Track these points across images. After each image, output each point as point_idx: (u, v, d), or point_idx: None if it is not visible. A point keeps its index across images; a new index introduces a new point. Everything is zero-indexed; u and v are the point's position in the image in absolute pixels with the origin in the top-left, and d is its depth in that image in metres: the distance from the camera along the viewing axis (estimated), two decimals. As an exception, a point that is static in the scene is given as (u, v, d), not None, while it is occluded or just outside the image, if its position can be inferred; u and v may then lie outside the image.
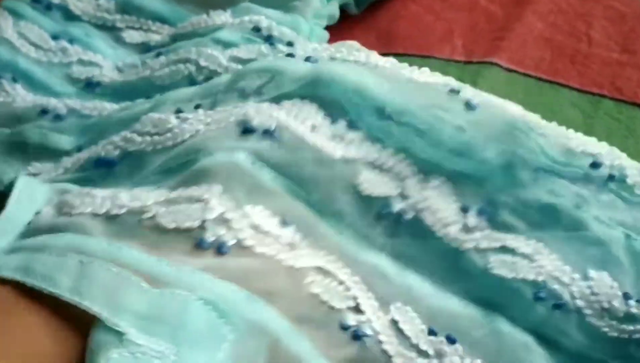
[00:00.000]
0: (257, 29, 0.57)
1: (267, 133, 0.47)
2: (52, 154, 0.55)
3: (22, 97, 0.58)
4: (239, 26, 0.58)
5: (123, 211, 0.43)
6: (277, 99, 0.49)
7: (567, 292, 0.44)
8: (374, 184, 0.46)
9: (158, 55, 0.59)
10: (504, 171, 0.46)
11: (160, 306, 0.37)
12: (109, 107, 0.56)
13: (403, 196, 0.46)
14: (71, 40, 0.61)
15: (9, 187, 0.47)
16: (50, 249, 0.39)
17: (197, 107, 0.51)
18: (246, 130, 0.47)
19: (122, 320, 0.36)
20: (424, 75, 0.51)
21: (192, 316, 0.37)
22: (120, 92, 0.58)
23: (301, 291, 0.42)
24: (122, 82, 0.58)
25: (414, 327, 0.44)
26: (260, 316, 0.40)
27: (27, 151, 0.55)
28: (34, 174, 0.54)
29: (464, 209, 0.46)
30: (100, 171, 0.51)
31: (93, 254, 0.39)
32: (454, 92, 0.49)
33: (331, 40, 0.61)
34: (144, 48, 0.62)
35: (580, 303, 0.43)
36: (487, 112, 0.48)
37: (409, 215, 0.46)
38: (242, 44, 0.56)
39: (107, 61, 0.60)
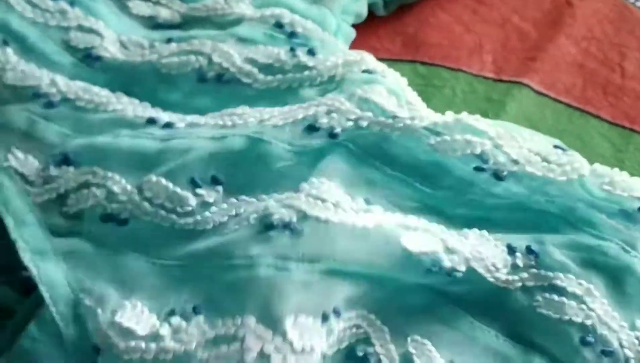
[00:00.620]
0: (279, 25, 0.53)
1: (288, 227, 0.42)
2: (38, 145, 0.49)
3: (13, 65, 0.52)
4: (259, 20, 0.53)
5: (169, 356, 0.41)
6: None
7: (616, 339, 0.40)
8: (417, 242, 0.42)
9: (169, 41, 0.54)
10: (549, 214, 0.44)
11: None
12: (105, 98, 0.51)
13: (449, 251, 0.42)
14: (72, 3, 0.55)
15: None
16: None
17: (214, 180, 0.46)
18: (267, 227, 0.43)
19: None
20: None
21: None
22: (121, 73, 0.53)
23: None
24: (123, 61, 0.53)
25: (429, 360, 0.40)
26: None
27: (11, 134, 0.50)
28: (15, 169, 0.49)
29: (511, 249, 0.42)
30: (107, 226, 0.47)
31: None
32: None
33: (356, 40, 0.57)
34: (151, 23, 0.56)
35: (628, 353, 0.40)
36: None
37: (462, 267, 0.41)
38: (262, 44, 0.52)
39: (110, 30, 0.54)
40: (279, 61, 0.51)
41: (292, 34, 0.53)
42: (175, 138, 0.48)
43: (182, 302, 0.42)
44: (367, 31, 0.60)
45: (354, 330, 0.42)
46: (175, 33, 0.55)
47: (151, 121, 0.49)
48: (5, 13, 0.54)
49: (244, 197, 0.46)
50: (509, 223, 0.44)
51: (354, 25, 0.58)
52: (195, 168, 0.46)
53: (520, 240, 0.43)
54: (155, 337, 0.41)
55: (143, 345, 0.41)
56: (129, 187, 0.47)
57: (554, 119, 0.57)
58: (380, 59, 0.58)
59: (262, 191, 0.46)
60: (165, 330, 0.41)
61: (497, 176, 0.44)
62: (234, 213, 0.45)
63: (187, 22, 0.56)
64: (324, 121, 0.46)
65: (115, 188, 0.47)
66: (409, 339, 0.41)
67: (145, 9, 0.57)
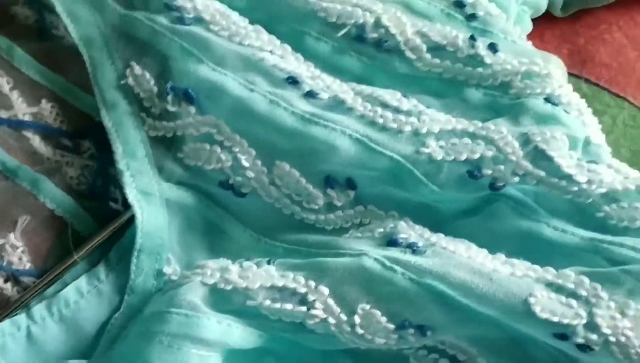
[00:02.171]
0: (460, 4, 0.47)
1: (411, 247, 0.39)
2: (156, 61, 0.45)
3: None
4: None
5: (229, 287, 0.39)
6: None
7: None
8: (549, 306, 0.36)
9: None
10: None
11: None
12: (243, 29, 0.45)
13: (590, 327, 0.35)
14: None
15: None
16: (162, 335, 0.38)
17: (349, 184, 0.42)
18: (390, 243, 0.40)
19: None
20: None
21: None
22: (269, 3, 0.47)
23: None
24: None
25: None
26: None
27: (131, 45, 0.46)
28: (132, 89, 0.45)
29: None
30: (224, 192, 0.44)
31: (206, 341, 0.38)
32: None
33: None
34: None
35: None
36: None
37: (597, 348, 0.35)
38: (438, 22, 0.46)
39: None
40: (454, 46, 0.45)
41: (471, 17, 0.46)
42: (317, 122, 0.42)
43: None
44: (533, 30, 0.53)
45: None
46: None
47: (292, 81, 0.44)
48: None
49: (373, 207, 0.43)
50: None
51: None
52: (332, 167, 0.42)
53: None
54: (223, 268, 0.40)
55: (208, 271, 0.40)
56: (259, 163, 0.43)
57: None
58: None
59: (395, 211, 0.42)
60: (234, 267, 0.40)
61: None
62: (358, 221, 0.42)
63: None
64: (487, 171, 0.40)
65: (244, 161, 0.43)
66: None
67: None
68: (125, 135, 0.44)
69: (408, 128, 0.42)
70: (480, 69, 0.44)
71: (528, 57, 0.45)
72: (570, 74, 0.53)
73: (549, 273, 0.37)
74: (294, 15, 0.47)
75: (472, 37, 0.45)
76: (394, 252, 0.39)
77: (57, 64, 0.48)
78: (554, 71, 0.44)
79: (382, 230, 0.41)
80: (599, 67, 0.55)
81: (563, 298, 0.36)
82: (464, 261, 0.37)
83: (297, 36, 0.46)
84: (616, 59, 0.55)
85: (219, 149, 0.43)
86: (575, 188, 0.40)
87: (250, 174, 0.43)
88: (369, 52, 0.46)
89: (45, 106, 0.46)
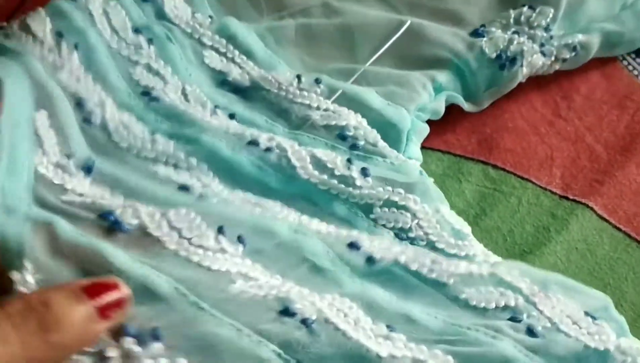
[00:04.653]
0: (342, 136, 0.54)
1: (305, 323, 0.41)
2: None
3: (72, 69, 0.52)
4: (324, 129, 0.54)
5: None
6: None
7: None
8: None
9: (232, 117, 0.54)
10: None
11: None
12: (140, 142, 0.51)
13: None
14: (150, 40, 0.56)
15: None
16: None
17: (239, 239, 0.45)
18: (285, 312, 0.42)
19: None
20: None
21: None
22: (175, 120, 0.53)
23: None
24: (183, 111, 0.53)
25: None
26: None
27: None
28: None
29: None
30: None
31: None
32: None
33: (432, 132, 0.59)
34: (219, 78, 0.58)
35: None
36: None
37: None
38: (322, 150, 0.52)
39: (175, 77, 0.55)
40: (333, 164, 0.51)
41: (353, 146, 0.53)
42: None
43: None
44: (443, 124, 0.61)
45: None
46: (239, 106, 0.55)
47: (184, 188, 0.48)
48: (86, 24, 0.55)
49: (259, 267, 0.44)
50: None
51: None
52: (224, 223, 0.44)
53: None
54: None
55: None
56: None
57: (611, 246, 0.57)
58: (454, 155, 0.60)
59: (288, 272, 0.45)
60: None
61: (531, 331, 0.44)
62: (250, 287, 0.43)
63: (254, 88, 0.57)
64: (366, 243, 0.46)
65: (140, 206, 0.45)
66: None
67: (218, 63, 0.58)
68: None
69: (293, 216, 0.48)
70: (350, 189, 0.50)
71: (393, 185, 0.51)
72: (478, 160, 0.61)
73: (422, 353, 0.41)
74: (196, 135, 0.52)
75: (349, 160, 0.51)
76: (288, 330, 0.41)
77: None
78: (411, 203, 0.51)
79: (275, 292, 0.43)
80: (505, 153, 0.61)
81: None
82: (352, 346, 0.41)
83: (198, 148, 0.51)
84: (520, 144, 0.62)
85: None
86: (438, 267, 0.46)
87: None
88: (260, 154, 0.51)
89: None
